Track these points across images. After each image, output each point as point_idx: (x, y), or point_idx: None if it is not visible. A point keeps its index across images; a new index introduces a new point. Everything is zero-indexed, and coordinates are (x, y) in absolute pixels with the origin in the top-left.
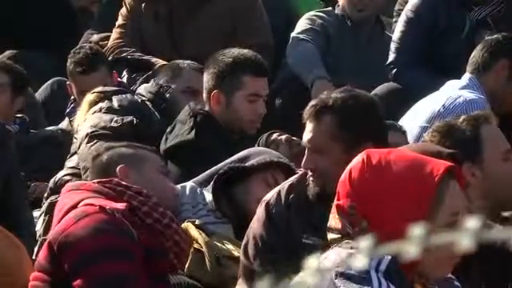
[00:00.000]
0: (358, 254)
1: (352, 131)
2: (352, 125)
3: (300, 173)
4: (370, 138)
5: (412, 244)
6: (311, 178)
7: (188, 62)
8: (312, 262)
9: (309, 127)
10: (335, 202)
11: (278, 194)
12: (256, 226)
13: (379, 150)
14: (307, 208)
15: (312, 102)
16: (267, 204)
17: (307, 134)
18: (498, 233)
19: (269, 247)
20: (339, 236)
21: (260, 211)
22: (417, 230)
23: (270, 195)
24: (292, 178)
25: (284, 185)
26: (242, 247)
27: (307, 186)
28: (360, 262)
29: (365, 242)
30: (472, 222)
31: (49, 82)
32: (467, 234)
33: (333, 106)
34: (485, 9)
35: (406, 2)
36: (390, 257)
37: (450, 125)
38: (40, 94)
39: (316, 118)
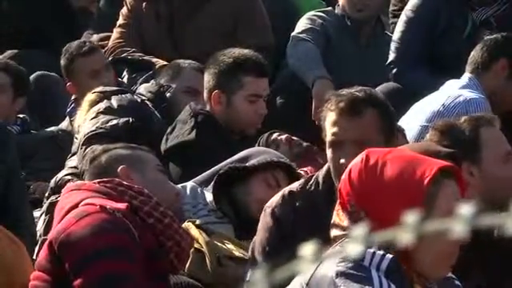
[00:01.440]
0: (352, 242)
1: (389, 122)
2: (389, 116)
3: (301, 181)
4: (396, 130)
5: (406, 231)
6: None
7: (189, 61)
8: (307, 250)
9: (348, 122)
10: (338, 199)
11: (283, 197)
12: (262, 233)
13: (380, 149)
14: (315, 215)
15: (340, 98)
16: (272, 210)
17: (349, 130)
18: (492, 219)
19: (276, 251)
20: (343, 233)
21: (265, 218)
22: (411, 218)
23: (274, 201)
24: (293, 186)
25: (284, 191)
26: (249, 253)
27: (311, 192)
28: (354, 251)
29: (358, 231)
30: (466, 209)
31: (30, 77)
32: (461, 220)
33: (370, 99)
34: (488, 10)
35: (400, 2)
36: (390, 256)
37: (450, 124)
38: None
39: (358, 112)
